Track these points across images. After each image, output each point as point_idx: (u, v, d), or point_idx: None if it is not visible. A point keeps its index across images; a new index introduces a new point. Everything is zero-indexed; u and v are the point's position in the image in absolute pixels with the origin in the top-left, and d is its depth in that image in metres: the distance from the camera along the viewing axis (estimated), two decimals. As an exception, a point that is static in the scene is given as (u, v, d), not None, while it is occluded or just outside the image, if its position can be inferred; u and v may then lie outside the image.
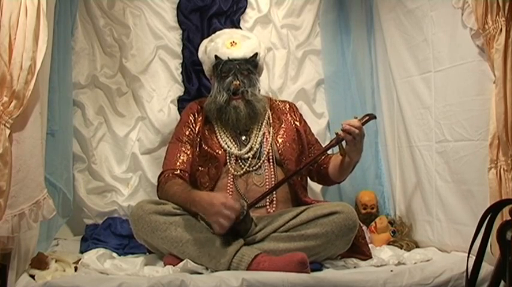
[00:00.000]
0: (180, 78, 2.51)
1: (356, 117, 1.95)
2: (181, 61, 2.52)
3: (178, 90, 2.51)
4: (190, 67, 2.48)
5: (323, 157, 2.13)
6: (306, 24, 2.66)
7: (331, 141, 1.98)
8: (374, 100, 2.59)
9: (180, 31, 2.53)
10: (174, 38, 2.53)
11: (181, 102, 2.47)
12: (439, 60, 2.06)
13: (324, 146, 2.15)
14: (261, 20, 2.61)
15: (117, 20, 2.47)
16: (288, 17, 2.64)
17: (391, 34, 2.37)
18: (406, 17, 2.25)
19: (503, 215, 1.46)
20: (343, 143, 1.94)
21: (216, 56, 2.06)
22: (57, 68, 2.11)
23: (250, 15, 2.60)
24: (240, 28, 2.53)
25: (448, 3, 1.96)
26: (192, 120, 2.12)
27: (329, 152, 2.09)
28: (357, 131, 1.89)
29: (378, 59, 2.55)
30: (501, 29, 1.71)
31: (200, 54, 2.18)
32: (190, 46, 2.48)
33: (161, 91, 2.49)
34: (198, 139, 2.06)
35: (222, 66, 2.04)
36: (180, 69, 2.52)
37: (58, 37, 2.11)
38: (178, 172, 2.00)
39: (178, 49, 2.52)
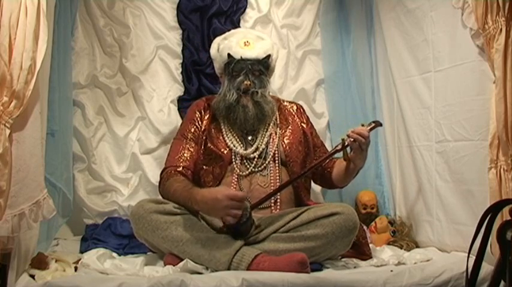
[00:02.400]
0: (180, 78, 2.51)
1: (363, 125, 1.94)
2: (181, 61, 2.52)
3: (178, 90, 2.51)
4: (190, 67, 2.48)
5: (327, 161, 2.13)
6: (306, 24, 2.66)
7: (336, 146, 1.97)
8: (374, 100, 2.59)
9: (180, 31, 2.53)
10: (174, 38, 2.53)
11: (181, 102, 2.48)
12: (439, 60, 2.06)
13: (328, 150, 2.16)
14: (261, 20, 2.60)
15: (117, 20, 2.47)
16: (288, 17, 2.64)
17: (391, 34, 2.37)
18: (406, 17, 2.25)
19: (503, 215, 1.46)
20: (348, 149, 1.94)
21: (228, 55, 2.05)
22: (57, 68, 2.11)
23: (250, 15, 2.59)
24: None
25: (448, 3, 1.96)
26: (198, 118, 2.11)
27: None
28: (363, 139, 1.89)
29: (378, 59, 2.55)
30: (501, 29, 1.71)
31: (212, 51, 2.16)
32: (190, 46, 2.49)
33: (161, 91, 2.48)
34: (204, 137, 2.05)
35: (234, 65, 2.04)
36: (180, 69, 2.52)
37: (58, 37, 2.11)
38: (181, 169, 1.99)
39: (178, 49, 2.52)
